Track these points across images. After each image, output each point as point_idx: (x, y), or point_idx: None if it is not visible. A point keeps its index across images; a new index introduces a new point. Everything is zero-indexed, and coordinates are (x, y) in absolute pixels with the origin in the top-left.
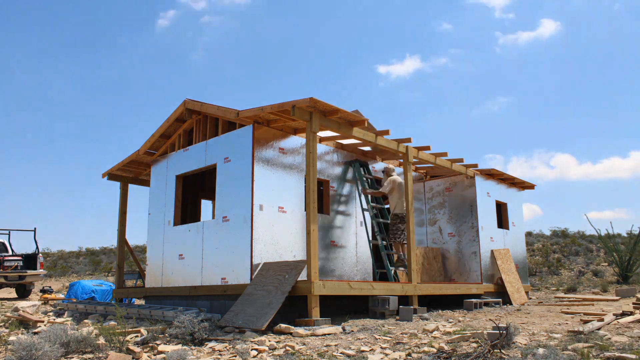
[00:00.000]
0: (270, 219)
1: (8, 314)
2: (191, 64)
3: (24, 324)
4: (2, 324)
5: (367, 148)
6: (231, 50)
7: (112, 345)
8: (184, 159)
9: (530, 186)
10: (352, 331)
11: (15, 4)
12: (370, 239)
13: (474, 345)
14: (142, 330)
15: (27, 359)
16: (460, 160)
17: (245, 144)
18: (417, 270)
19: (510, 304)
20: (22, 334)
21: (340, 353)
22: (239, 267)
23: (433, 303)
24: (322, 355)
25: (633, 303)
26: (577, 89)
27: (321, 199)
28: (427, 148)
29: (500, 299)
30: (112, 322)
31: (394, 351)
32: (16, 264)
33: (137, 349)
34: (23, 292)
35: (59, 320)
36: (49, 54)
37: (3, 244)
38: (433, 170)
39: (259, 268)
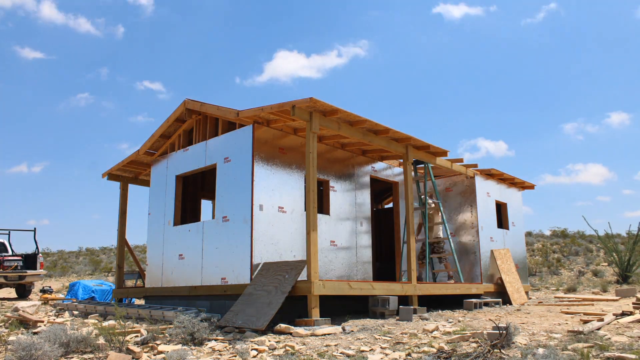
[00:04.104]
0: (270, 219)
1: (8, 314)
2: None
3: (24, 324)
4: (2, 324)
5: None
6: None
7: (112, 345)
8: (184, 159)
9: (530, 186)
10: (352, 331)
11: None
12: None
13: (474, 345)
14: (142, 330)
15: (27, 359)
16: (460, 160)
17: (245, 144)
18: (415, 270)
19: (510, 304)
20: (21, 334)
21: (340, 353)
22: (239, 267)
23: (433, 303)
24: (322, 355)
25: (633, 303)
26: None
27: (321, 199)
28: (427, 148)
29: (500, 299)
30: (112, 322)
31: (393, 351)
32: (16, 264)
33: (137, 349)
34: (23, 292)
35: (58, 320)
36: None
37: (3, 244)
38: (433, 170)
39: (259, 268)
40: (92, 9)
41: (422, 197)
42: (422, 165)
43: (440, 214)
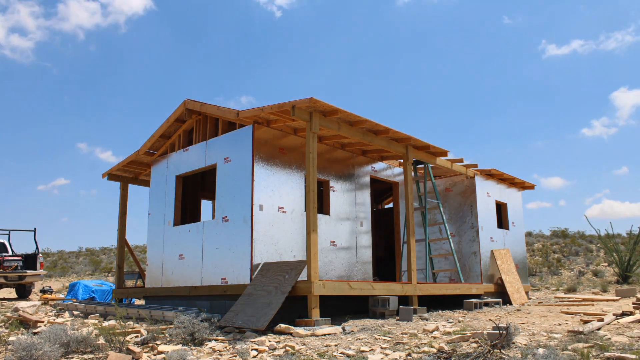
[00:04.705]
0: (270, 219)
1: (8, 314)
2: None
3: (24, 324)
4: (2, 324)
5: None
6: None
7: (112, 345)
8: (184, 159)
9: (530, 186)
10: (352, 331)
11: None
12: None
13: (474, 345)
14: (142, 330)
15: (27, 359)
16: (460, 160)
17: (245, 144)
18: (415, 270)
19: (510, 304)
20: (22, 334)
21: (340, 353)
22: (239, 267)
23: (433, 303)
24: (322, 356)
25: (633, 303)
26: None
27: (321, 199)
28: (427, 148)
29: (500, 299)
30: (112, 322)
31: (394, 351)
32: (16, 264)
33: (137, 349)
34: (23, 292)
35: (58, 320)
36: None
37: (3, 244)
38: (433, 170)
39: (259, 268)
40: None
41: (422, 196)
42: (422, 165)
43: (440, 213)
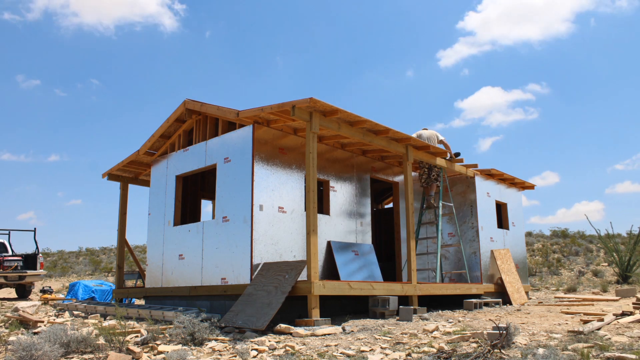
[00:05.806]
0: (270, 219)
1: (8, 314)
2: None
3: (24, 324)
4: (2, 324)
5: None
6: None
7: (112, 345)
8: (184, 159)
9: (530, 186)
10: (352, 331)
11: None
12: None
13: (474, 345)
14: (142, 330)
15: (27, 359)
16: (460, 160)
17: (245, 144)
18: (415, 270)
19: (510, 304)
20: (22, 334)
21: (340, 353)
22: (239, 267)
23: (433, 303)
24: (322, 356)
25: (633, 303)
26: None
27: (321, 199)
28: (427, 148)
29: (500, 299)
30: (112, 322)
31: (394, 351)
32: (16, 264)
33: (137, 349)
34: (23, 292)
35: (59, 320)
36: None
37: (3, 244)
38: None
39: (259, 268)
40: None
41: (433, 200)
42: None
43: (454, 217)
